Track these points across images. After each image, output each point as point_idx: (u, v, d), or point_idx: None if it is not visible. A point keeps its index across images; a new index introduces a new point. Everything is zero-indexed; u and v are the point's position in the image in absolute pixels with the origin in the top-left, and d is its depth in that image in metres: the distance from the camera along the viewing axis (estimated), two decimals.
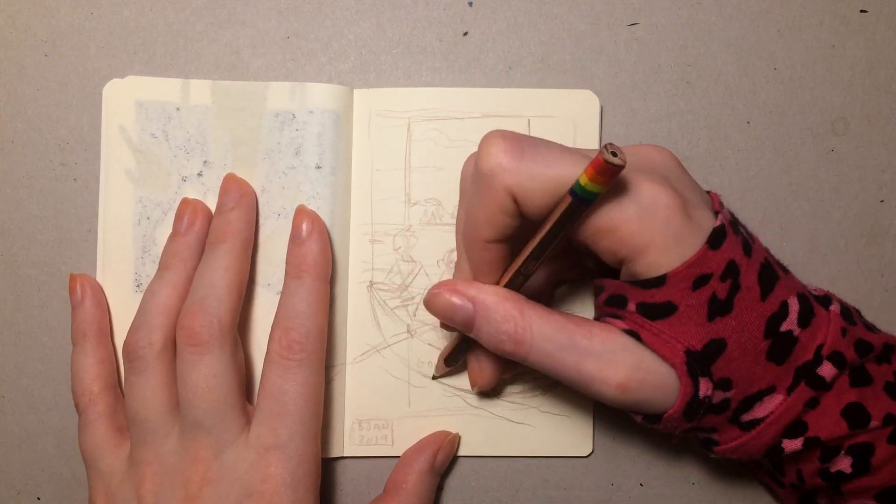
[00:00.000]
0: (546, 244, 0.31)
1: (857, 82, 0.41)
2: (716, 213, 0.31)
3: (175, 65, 0.41)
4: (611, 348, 0.31)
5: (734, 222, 0.32)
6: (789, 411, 0.32)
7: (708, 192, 0.34)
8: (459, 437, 0.40)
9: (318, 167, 0.39)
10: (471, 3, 0.41)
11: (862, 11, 0.41)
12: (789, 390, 0.32)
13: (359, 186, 0.40)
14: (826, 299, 0.33)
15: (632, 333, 0.31)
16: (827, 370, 0.31)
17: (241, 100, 0.40)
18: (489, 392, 0.40)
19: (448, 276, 0.40)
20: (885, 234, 0.41)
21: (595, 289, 0.35)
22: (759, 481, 0.40)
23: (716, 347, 0.31)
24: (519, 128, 0.40)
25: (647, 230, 0.29)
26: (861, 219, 0.41)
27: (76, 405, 0.37)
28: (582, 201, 0.28)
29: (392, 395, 0.40)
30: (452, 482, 0.41)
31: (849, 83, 0.41)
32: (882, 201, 0.41)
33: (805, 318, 0.32)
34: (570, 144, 0.39)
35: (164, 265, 0.38)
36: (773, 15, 0.41)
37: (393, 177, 0.40)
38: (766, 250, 0.33)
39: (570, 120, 0.40)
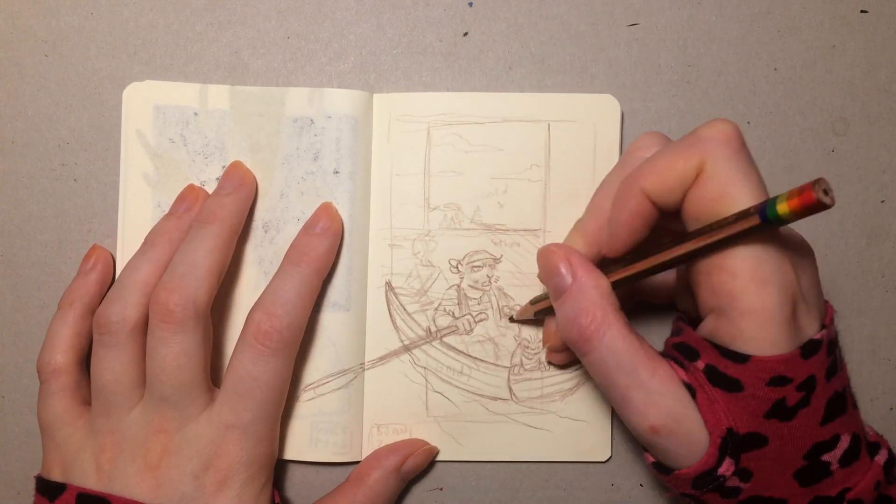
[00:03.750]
0: (702, 245, 0.30)
1: (857, 82, 0.41)
2: (822, 327, 0.31)
3: (175, 65, 0.41)
4: (663, 391, 0.31)
5: (832, 343, 0.31)
6: None
7: (826, 303, 0.33)
8: (437, 451, 0.40)
9: (336, 172, 0.39)
10: (471, 4, 0.41)
11: (862, 11, 0.41)
12: None
13: (378, 191, 0.40)
14: (875, 447, 0.33)
15: (689, 388, 0.31)
16: None
17: (259, 105, 0.40)
18: (507, 396, 0.40)
19: (467, 279, 0.40)
20: (886, 234, 0.41)
21: (673, 328, 0.35)
22: None
23: (756, 441, 0.30)
24: (539, 132, 0.40)
25: (760, 298, 0.29)
26: (861, 219, 0.41)
27: (39, 371, 0.37)
28: (764, 219, 0.27)
29: (411, 399, 0.40)
30: (452, 482, 0.41)
31: (849, 83, 0.41)
32: (882, 201, 0.41)
33: (848, 459, 0.31)
34: (590, 149, 0.39)
35: (149, 242, 0.37)
36: (773, 15, 0.41)
37: (412, 181, 0.40)
38: (847, 381, 0.33)
39: (590, 125, 0.40)
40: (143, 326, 0.36)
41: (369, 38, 0.41)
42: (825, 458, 0.31)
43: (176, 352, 0.34)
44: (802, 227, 0.40)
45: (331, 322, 0.39)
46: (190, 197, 0.39)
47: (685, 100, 0.41)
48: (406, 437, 0.40)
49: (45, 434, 0.37)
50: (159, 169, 0.40)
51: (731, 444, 0.30)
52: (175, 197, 0.39)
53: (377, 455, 0.39)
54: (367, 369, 0.40)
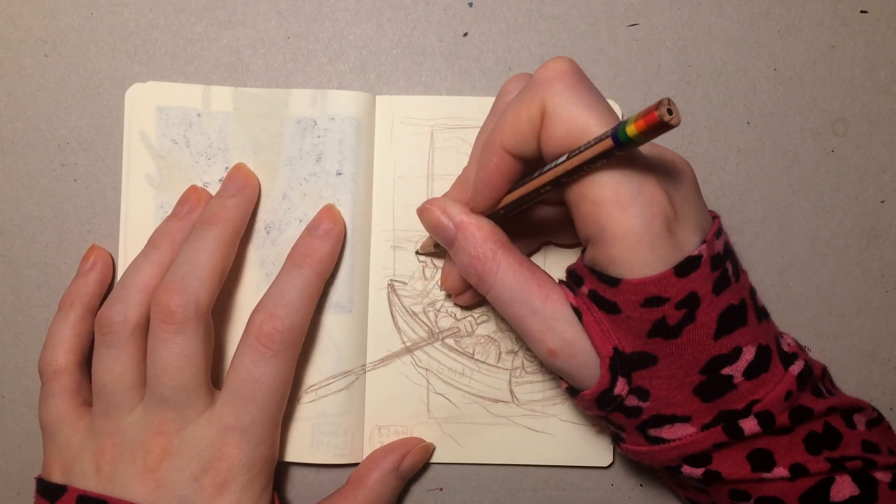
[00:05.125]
0: (562, 172, 0.30)
1: (857, 82, 0.41)
2: (703, 242, 0.31)
3: (175, 65, 0.41)
4: (556, 316, 0.32)
5: (720, 256, 0.31)
6: (695, 445, 0.32)
7: (714, 217, 0.33)
8: (433, 448, 0.40)
9: (339, 174, 0.39)
10: (471, 4, 0.41)
11: (862, 12, 0.41)
12: (704, 427, 0.31)
13: (381, 193, 0.40)
14: (791, 357, 0.33)
15: (576, 311, 0.32)
16: (749, 425, 0.31)
17: (262, 106, 0.40)
18: (509, 399, 0.40)
19: None
20: (885, 235, 0.41)
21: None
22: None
23: (644, 359, 0.31)
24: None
25: (625, 222, 0.29)
26: (861, 219, 0.41)
27: (40, 371, 0.37)
28: (618, 144, 0.27)
29: (412, 401, 0.40)
30: (452, 483, 0.41)
31: (849, 83, 0.41)
32: (882, 201, 0.41)
33: (754, 371, 0.31)
34: None
35: (152, 243, 0.38)
36: (773, 15, 0.41)
37: (415, 184, 0.40)
38: (750, 291, 0.33)
39: None
40: (145, 327, 0.36)
41: (369, 38, 0.41)
42: (726, 371, 0.31)
43: (177, 353, 0.34)
44: (802, 228, 0.40)
45: (333, 323, 0.39)
46: (192, 198, 0.39)
47: (685, 100, 0.41)
48: None
49: (46, 435, 0.37)
50: (162, 170, 0.40)
51: (620, 363, 0.31)
52: (178, 198, 0.39)
53: (375, 456, 0.39)
54: (369, 371, 0.40)
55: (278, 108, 0.40)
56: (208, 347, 0.36)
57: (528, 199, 0.33)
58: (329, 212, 0.38)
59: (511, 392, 0.40)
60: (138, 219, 0.40)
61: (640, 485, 0.41)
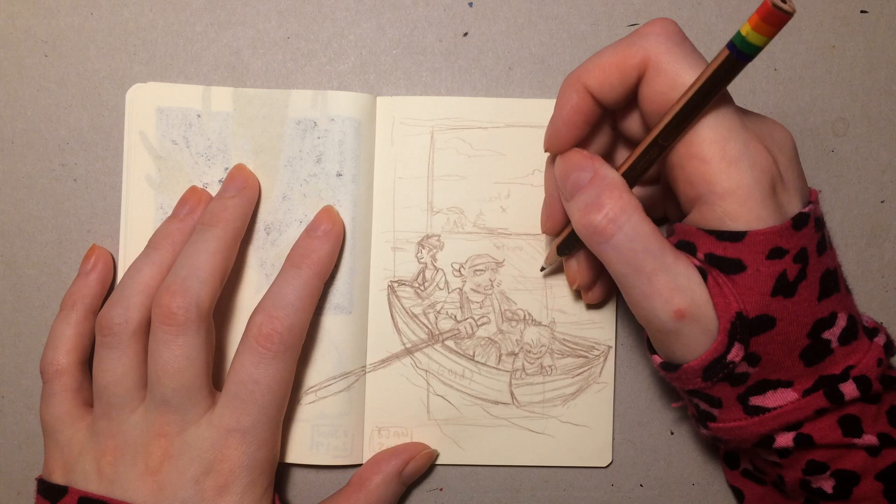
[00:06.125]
0: (689, 108, 0.29)
1: (857, 82, 0.41)
2: (807, 204, 0.31)
3: (175, 65, 0.41)
4: (688, 274, 0.31)
5: (820, 221, 0.32)
6: (797, 412, 0.31)
7: (810, 189, 0.33)
8: (437, 454, 0.40)
9: (339, 175, 0.39)
10: (471, 4, 0.41)
11: (862, 12, 0.41)
12: (805, 392, 0.31)
13: (381, 194, 0.40)
14: (874, 331, 0.33)
15: (701, 272, 0.31)
16: (849, 389, 0.31)
17: (262, 107, 0.40)
18: (509, 400, 0.40)
19: (470, 283, 0.40)
20: (885, 234, 0.41)
21: (667, 232, 0.35)
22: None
23: (765, 323, 0.30)
24: (541, 137, 0.36)
25: (736, 177, 0.29)
26: (861, 219, 0.41)
27: (42, 371, 0.37)
28: (739, 55, 0.27)
29: (412, 402, 0.40)
30: (452, 483, 0.41)
31: (849, 83, 0.41)
32: (882, 201, 0.41)
33: (846, 337, 0.31)
34: None
35: (152, 244, 0.38)
36: None
37: (415, 185, 0.40)
38: (838, 263, 0.33)
39: None
40: (146, 328, 0.36)
41: (369, 38, 0.41)
42: (825, 335, 0.31)
43: (177, 354, 0.34)
44: None
45: (333, 325, 0.39)
46: (192, 199, 0.39)
47: None
48: (407, 440, 0.40)
49: (47, 435, 0.37)
50: (162, 171, 0.40)
51: (741, 328, 0.30)
52: (178, 199, 0.39)
53: (377, 459, 0.39)
54: (369, 372, 0.40)
55: (278, 109, 0.40)
56: (209, 349, 0.36)
57: (645, 161, 0.32)
58: (328, 213, 0.38)
59: (511, 394, 0.40)
60: (138, 219, 0.40)
61: (640, 485, 0.41)
